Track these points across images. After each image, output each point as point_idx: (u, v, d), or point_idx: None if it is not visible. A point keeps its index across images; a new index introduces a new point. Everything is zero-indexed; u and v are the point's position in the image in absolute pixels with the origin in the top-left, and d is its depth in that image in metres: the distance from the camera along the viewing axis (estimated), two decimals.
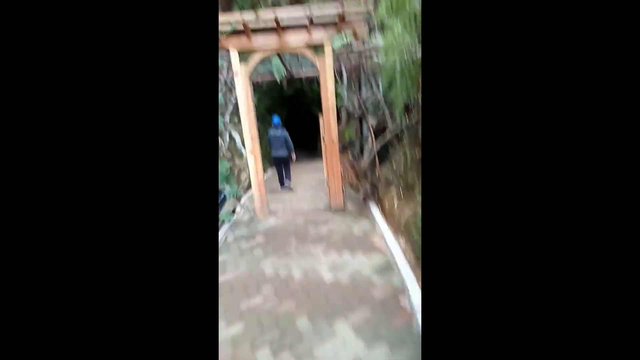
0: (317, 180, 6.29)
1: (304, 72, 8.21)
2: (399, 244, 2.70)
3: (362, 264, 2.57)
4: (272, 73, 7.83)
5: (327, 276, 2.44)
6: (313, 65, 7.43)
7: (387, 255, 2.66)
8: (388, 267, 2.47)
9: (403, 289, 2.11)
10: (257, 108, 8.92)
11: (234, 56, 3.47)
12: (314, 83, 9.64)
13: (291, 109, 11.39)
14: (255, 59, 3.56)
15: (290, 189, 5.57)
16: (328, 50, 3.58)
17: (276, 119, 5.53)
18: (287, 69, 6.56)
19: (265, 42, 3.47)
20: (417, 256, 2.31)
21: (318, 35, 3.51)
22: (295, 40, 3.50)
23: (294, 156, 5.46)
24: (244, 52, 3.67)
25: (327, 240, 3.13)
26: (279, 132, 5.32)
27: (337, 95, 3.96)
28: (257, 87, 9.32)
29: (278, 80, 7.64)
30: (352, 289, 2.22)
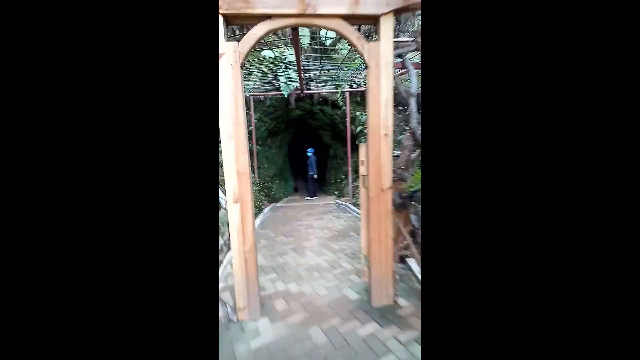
0: (333, 232, 4.48)
1: (316, 88, 6.73)
2: None
3: None
4: (277, 87, 6.34)
5: None
6: (331, 82, 5.95)
7: None
8: None
9: None
10: (257, 129, 7.33)
11: (221, 26, 1.85)
12: (326, 104, 8.18)
13: (297, 134, 9.84)
14: (255, 33, 1.95)
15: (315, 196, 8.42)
16: (385, 30, 1.99)
17: (311, 150, 8.43)
18: (300, 80, 5.02)
19: (275, 5, 1.87)
20: None
21: (370, 4, 1.92)
22: (329, 6, 1.90)
23: (315, 176, 8.48)
24: (238, 22, 2.06)
25: None
26: (313, 158, 8.28)
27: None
28: (257, 104, 7.82)
29: (285, 95, 6.11)
30: None
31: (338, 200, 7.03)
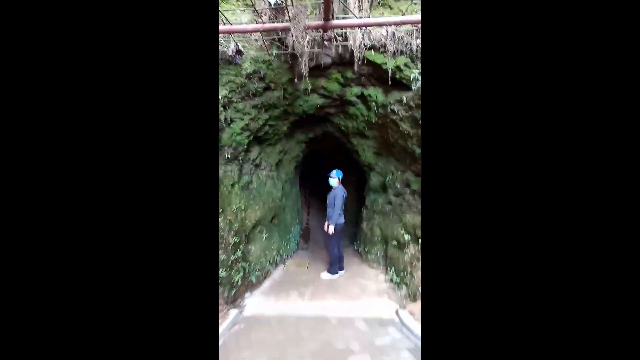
0: None
1: (360, 31, 2.41)
2: None
3: None
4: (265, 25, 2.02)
5: None
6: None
7: None
8: None
9: None
10: (224, 127, 3.24)
11: None
12: (376, 79, 3.71)
13: (312, 144, 5.44)
14: None
15: (341, 270, 4.07)
16: None
17: (338, 174, 4.19)
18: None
19: None
20: None
21: None
22: None
23: (330, 229, 3.93)
24: None
25: None
26: (340, 190, 4.12)
27: None
28: (223, 70, 3.36)
29: (271, 2, 1.86)
30: None
31: (406, 319, 2.66)
